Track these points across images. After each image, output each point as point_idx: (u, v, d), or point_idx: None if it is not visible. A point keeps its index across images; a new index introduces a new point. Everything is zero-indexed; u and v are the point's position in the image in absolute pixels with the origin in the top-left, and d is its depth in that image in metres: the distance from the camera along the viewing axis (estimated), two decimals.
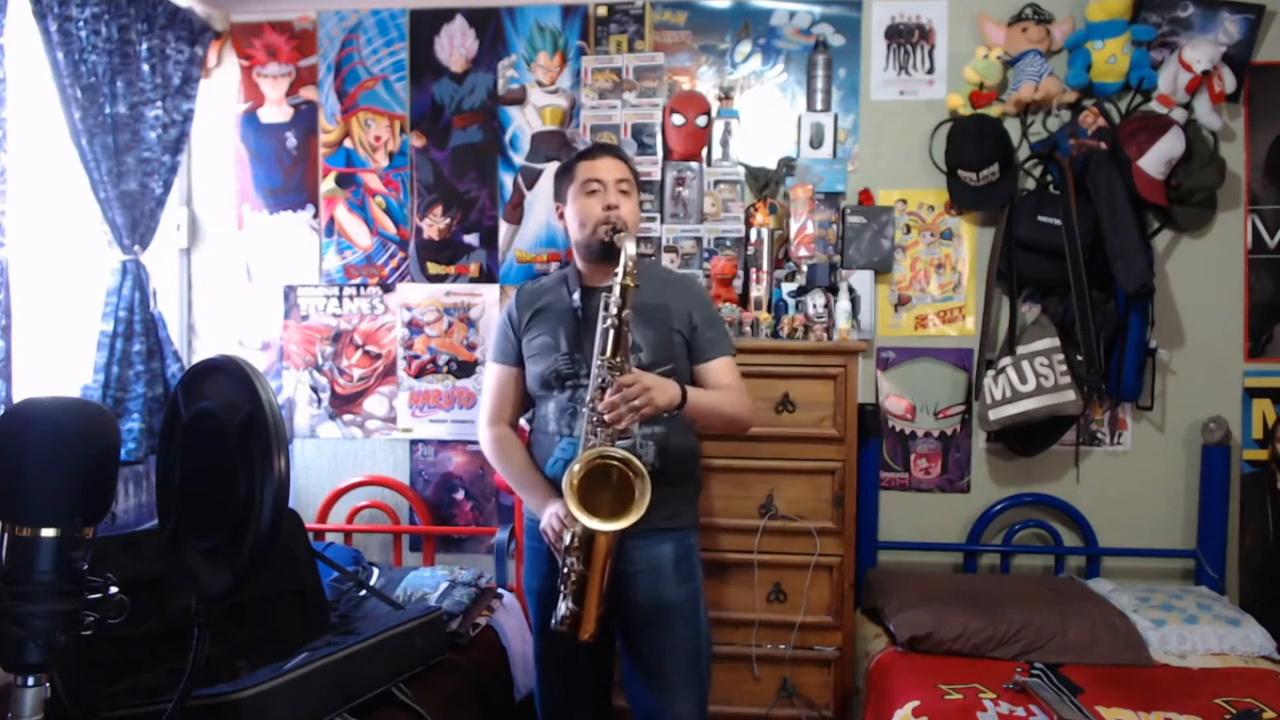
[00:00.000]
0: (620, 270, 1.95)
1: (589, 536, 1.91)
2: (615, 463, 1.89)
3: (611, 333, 1.93)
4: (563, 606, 1.96)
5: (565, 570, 1.95)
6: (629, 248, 1.96)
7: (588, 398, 1.97)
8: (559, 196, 2.23)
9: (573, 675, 2.19)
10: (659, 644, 2.09)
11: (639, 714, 2.16)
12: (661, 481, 2.01)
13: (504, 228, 3.26)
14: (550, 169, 3.20)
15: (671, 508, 2.10)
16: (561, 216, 2.22)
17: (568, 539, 1.95)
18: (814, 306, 2.80)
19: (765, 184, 3.04)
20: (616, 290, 1.94)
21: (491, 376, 2.27)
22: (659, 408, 1.92)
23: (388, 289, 3.31)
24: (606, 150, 2.21)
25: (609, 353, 1.93)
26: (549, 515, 2.03)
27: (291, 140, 3.33)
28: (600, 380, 1.93)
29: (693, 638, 2.12)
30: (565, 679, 2.20)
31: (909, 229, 3.09)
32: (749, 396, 2.19)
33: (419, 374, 3.29)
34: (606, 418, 1.90)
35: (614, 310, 1.93)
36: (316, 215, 3.33)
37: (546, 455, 2.13)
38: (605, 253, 2.07)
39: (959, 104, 3.02)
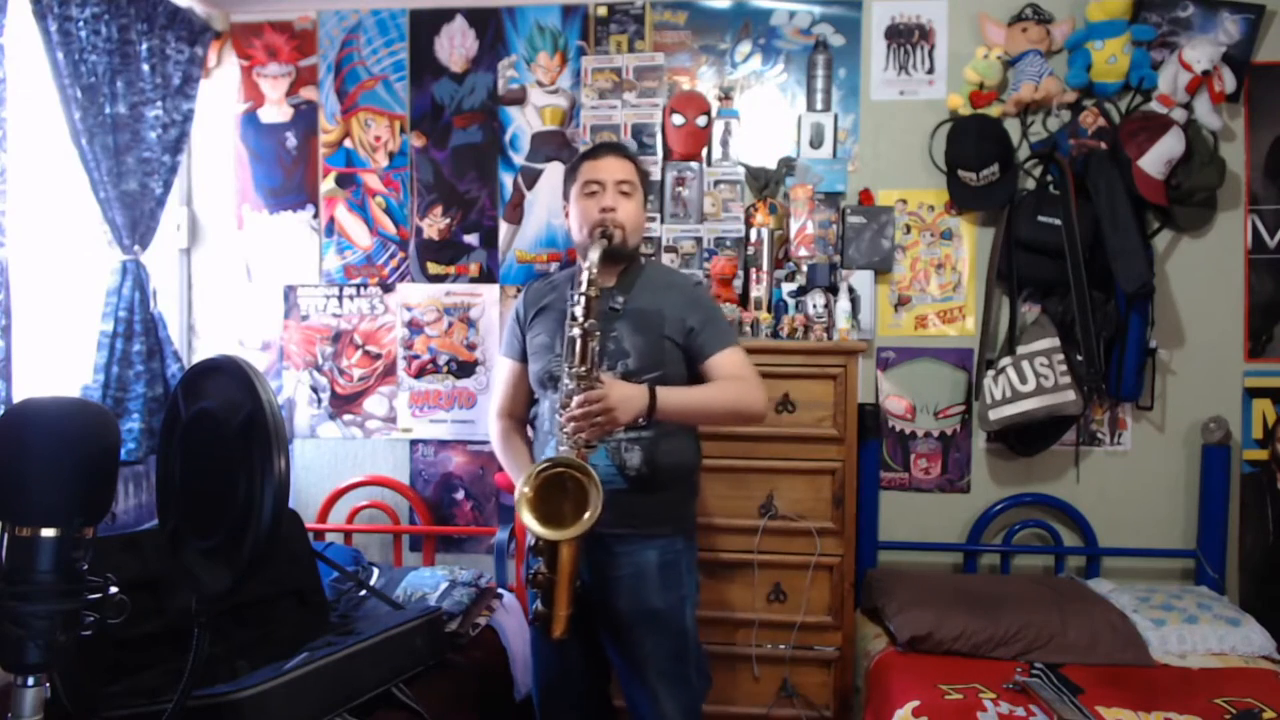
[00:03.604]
0: (584, 279, 1.95)
1: (551, 541, 1.90)
2: (566, 470, 1.88)
3: (577, 342, 1.92)
4: (535, 605, 1.98)
5: (533, 572, 1.95)
6: (592, 255, 1.97)
7: (558, 404, 1.96)
8: (565, 195, 2.21)
9: (564, 670, 2.18)
10: (641, 651, 2.08)
11: (631, 714, 2.16)
12: (649, 488, 2.03)
13: (504, 228, 3.26)
14: (550, 169, 3.21)
15: (658, 514, 2.08)
16: (567, 215, 2.20)
17: (531, 540, 1.96)
18: (814, 306, 2.80)
19: (765, 184, 3.04)
20: (581, 301, 1.93)
21: (500, 370, 2.29)
22: (621, 424, 1.92)
23: (388, 289, 3.31)
24: (610, 150, 2.19)
25: (575, 362, 1.92)
26: None
27: (291, 140, 3.33)
28: (568, 390, 1.93)
29: (677, 646, 2.09)
30: (557, 674, 2.19)
31: (909, 229, 3.09)
32: (760, 385, 2.09)
33: (419, 374, 3.29)
34: (568, 429, 1.90)
35: (579, 319, 1.93)
36: (316, 215, 3.33)
37: (540, 453, 2.14)
38: (603, 255, 2.04)
39: (959, 104, 3.02)
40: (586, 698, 2.23)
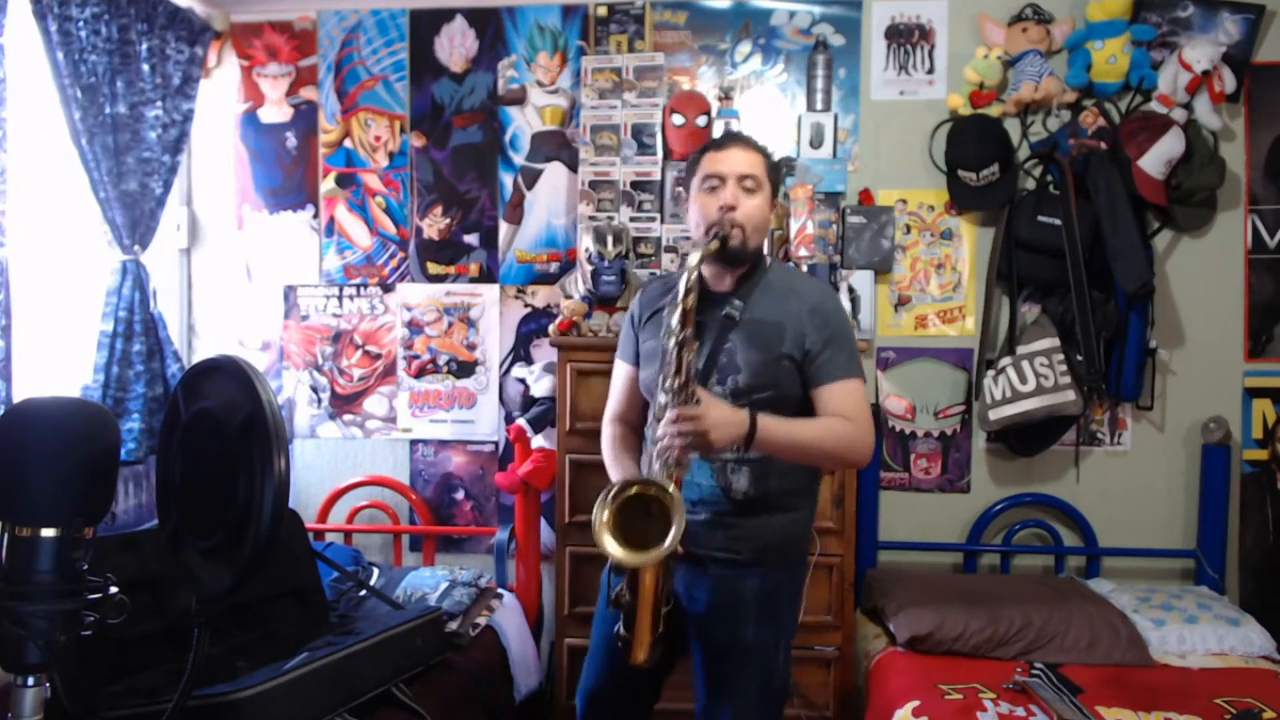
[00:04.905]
0: (681, 288, 1.78)
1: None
2: (646, 491, 1.72)
3: (671, 354, 1.76)
4: (620, 625, 1.84)
5: (617, 591, 1.81)
6: (691, 259, 1.80)
7: (650, 418, 1.82)
8: (685, 187, 2.02)
9: (616, 685, 2.05)
10: (729, 683, 1.93)
11: None
12: (756, 511, 1.88)
13: (504, 228, 3.26)
14: (550, 169, 3.21)
15: (764, 540, 1.89)
16: (688, 209, 2.00)
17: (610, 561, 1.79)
18: None
19: None
20: (678, 310, 1.77)
21: (617, 374, 2.13)
22: (715, 448, 1.74)
23: (388, 289, 3.31)
24: (735, 140, 1.97)
25: (670, 374, 1.76)
26: None
27: (291, 140, 3.33)
28: (661, 404, 1.78)
29: (763, 685, 1.93)
30: (609, 684, 2.05)
31: (909, 229, 3.09)
32: (870, 430, 1.87)
33: (419, 374, 3.29)
34: (661, 444, 1.74)
35: (675, 328, 1.76)
36: (316, 215, 3.33)
37: (646, 466, 1.96)
38: (721, 257, 1.86)
39: (959, 104, 3.02)
40: (632, 710, 2.10)
